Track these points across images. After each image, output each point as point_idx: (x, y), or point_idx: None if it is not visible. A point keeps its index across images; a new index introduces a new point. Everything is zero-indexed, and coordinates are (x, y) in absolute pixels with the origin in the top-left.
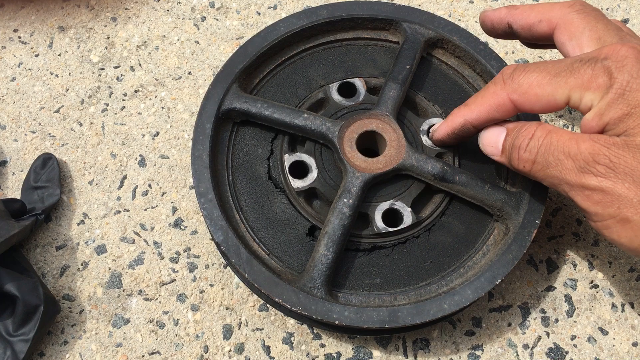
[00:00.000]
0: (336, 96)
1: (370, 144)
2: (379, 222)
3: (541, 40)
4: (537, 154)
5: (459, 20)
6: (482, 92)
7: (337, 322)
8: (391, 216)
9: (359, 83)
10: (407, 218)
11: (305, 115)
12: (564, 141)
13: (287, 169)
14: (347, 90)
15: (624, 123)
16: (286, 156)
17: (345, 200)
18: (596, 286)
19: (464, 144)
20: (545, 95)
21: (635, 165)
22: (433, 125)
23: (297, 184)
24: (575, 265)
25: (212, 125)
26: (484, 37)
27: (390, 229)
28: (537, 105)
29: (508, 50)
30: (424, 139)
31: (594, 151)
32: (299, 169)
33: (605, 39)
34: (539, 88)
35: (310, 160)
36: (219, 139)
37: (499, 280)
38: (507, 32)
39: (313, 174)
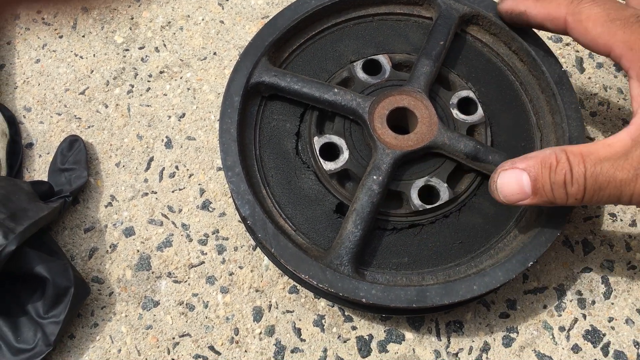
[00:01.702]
0: (361, 74)
1: (401, 121)
2: (415, 199)
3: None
4: (586, 182)
5: None
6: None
7: (363, 299)
8: (427, 193)
9: (383, 60)
10: (444, 194)
11: (336, 90)
12: (606, 157)
13: (318, 152)
14: (372, 67)
15: None
16: (315, 138)
17: (374, 177)
18: (634, 267)
19: (495, 117)
20: (592, 35)
21: None
22: (463, 97)
23: (328, 166)
24: (612, 247)
25: (240, 98)
26: None
27: (428, 206)
28: (582, 39)
29: None
30: (454, 112)
31: None
32: (330, 151)
33: None
34: (592, 24)
35: (340, 142)
36: (246, 112)
37: (531, 263)
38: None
39: (344, 155)
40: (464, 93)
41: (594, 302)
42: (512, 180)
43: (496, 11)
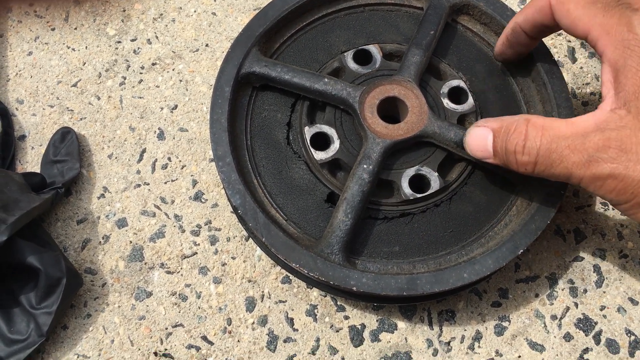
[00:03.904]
0: (352, 64)
1: (391, 111)
2: (406, 188)
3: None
4: (538, 155)
5: None
6: None
7: (354, 288)
8: (418, 182)
9: (374, 50)
10: (435, 183)
11: (326, 79)
12: (564, 135)
13: (309, 142)
14: (363, 57)
15: (634, 88)
16: (306, 128)
17: (364, 166)
18: (625, 256)
19: (485, 106)
20: (573, 17)
21: None
22: (453, 87)
23: (319, 155)
24: (604, 235)
25: (231, 88)
26: (510, 3)
27: (418, 195)
28: (564, 21)
29: None
30: (445, 102)
31: (604, 136)
32: (321, 141)
33: None
34: (574, 5)
35: (331, 131)
36: (237, 103)
37: (521, 251)
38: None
39: (335, 145)
40: (455, 82)
41: (585, 291)
42: (480, 137)
43: (495, 57)
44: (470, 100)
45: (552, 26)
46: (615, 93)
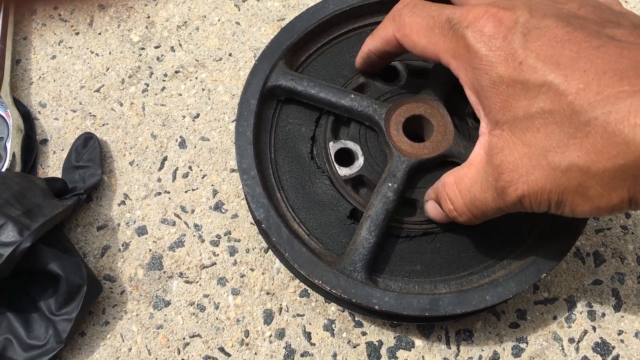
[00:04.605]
0: (377, 81)
1: (417, 129)
2: None
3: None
4: (469, 211)
5: None
6: (381, 24)
7: (376, 307)
8: None
9: (400, 67)
10: None
11: (352, 95)
12: (472, 180)
13: (333, 157)
14: (389, 74)
15: (498, 106)
16: (331, 144)
17: (389, 184)
18: None
19: None
20: (420, 47)
21: (527, 152)
22: None
23: (343, 172)
24: (623, 259)
25: (257, 101)
26: None
27: None
28: (416, 51)
29: None
30: (470, 122)
31: (494, 165)
32: (345, 156)
33: None
34: (417, 36)
35: (355, 147)
36: (262, 116)
37: (544, 274)
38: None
39: (359, 161)
40: None
41: (604, 315)
42: (432, 208)
43: (357, 70)
44: None
45: (403, 53)
46: (485, 114)
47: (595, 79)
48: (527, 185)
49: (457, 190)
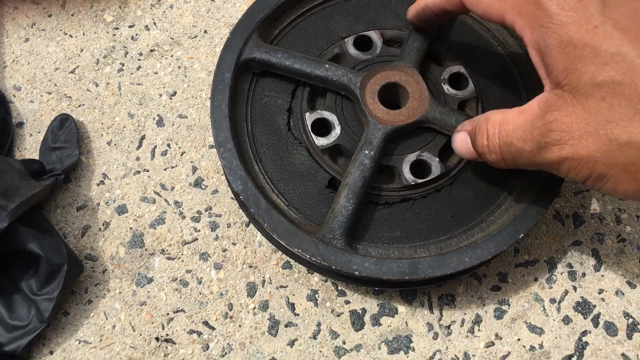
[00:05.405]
0: (352, 50)
1: (392, 97)
2: (407, 173)
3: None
4: (501, 152)
5: None
6: None
7: (356, 272)
8: (419, 167)
9: (375, 36)
10: (436, 169)
11: (327, 65)
12: (516, 126)
13: (310, 127)
14: (363, 43)
15: (562, 67)
16: (307, 114)
17: (366, 151)
18: (623, 240)
19: (485, 92)
20: (484, 4)
21: (586, 118)
22: (454, 72)
23: (321, 142)
24: (602, 220)
25: (231, 74)
26: None
27: (419, 180)
28: (477, 10)
29: None
30: (446, 88)
31: (545, 120)
32: (322, 127)
33: None
34: None
35: (332, 117)
36: (238, 89)
37: (522, 235)
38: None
39: (336, 131)
40: (455, 68)
41: (584, 275)
42: (462, 141)
43: (408, 23)
44: (471, 86)
45: (462, 12)
46: (547, 74)
47: None
48: (575, 150)
49: (497, 130)
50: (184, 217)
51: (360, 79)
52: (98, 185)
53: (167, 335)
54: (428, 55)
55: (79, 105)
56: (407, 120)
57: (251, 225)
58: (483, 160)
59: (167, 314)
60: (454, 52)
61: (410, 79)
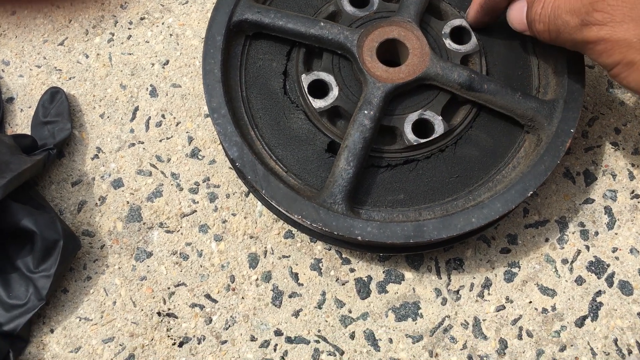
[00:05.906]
0: (348, 7)
1: (391, 54)
2: (409, 133)
3: None
4: (549, 22)
5: None
6: None
7: (359, 237)
8: (421, 127)
9: None
10: (439, 127)
11: (322, 24)
12: (568, 1)
13: (306, 89)
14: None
15: None
16: (303, 76)
17: (365, 112)
18: (637, 196)
19: (489, 46)
20: None
21: (632, 2)
22: (455, 26)
23: (318, 104)
24: (614, 176)
25: (223, 37)
26: None
27: (422, 140)
28: None
29: None
30: (447, 42)
31: (591, 1)
32: (319, 88)
33: None
34: None
35: (329, 78)
36: (230, 53)
37: (531, 192)
38: None
39: (334, 92)
40: (457, 22)
41: (597, 233)
42: (518, 9)
43: (470, 24)
44: (474, 39)
45: None
46: None
47: None
48: (613, 31)
49: (553, 0)
50: (181, 189)
51: (357, 36)
52: (92, 159)
53: (169, 309)
54: (428, 9)
55: (70, 78)
56: (408, 78)
57: (251, 195)
58: (529, 32)
59: (168, 288)
60: (456, 5)
61: (409, 35)
